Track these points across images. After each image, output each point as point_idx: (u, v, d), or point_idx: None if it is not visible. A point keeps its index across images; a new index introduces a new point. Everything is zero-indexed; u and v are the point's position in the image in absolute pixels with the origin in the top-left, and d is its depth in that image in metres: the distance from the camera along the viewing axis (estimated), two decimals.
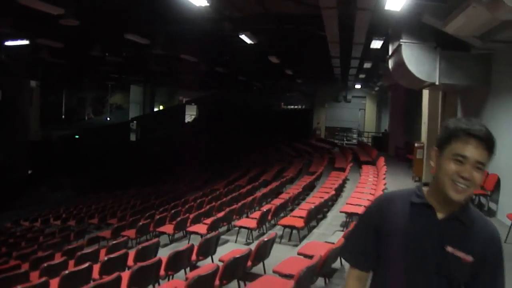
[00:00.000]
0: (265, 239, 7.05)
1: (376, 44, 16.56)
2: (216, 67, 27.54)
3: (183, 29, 16.50)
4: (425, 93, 17.26)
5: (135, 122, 41.22)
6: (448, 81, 12.01)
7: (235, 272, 6.33)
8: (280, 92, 42.96)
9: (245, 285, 6.50)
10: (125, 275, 6.22)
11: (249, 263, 6.67)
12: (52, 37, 16.42)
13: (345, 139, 37.02)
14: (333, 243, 7.16)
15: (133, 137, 40.78)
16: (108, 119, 42.41)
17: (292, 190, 14.92)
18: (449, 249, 2.08)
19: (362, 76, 29.06)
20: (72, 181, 30.02)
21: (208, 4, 11.69)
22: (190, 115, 45.79)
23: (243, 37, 16.63)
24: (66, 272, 6.67)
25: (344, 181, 15.80)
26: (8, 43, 16.72)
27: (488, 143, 2.07)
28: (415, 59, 11.91)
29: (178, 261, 7.17)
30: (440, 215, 2.14)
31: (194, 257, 7.68)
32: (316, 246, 7.24)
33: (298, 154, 29.47)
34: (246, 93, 41.32)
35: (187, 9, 14.09)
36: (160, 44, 18.60)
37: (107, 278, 5.99)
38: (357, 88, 36.64)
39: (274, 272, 6.21)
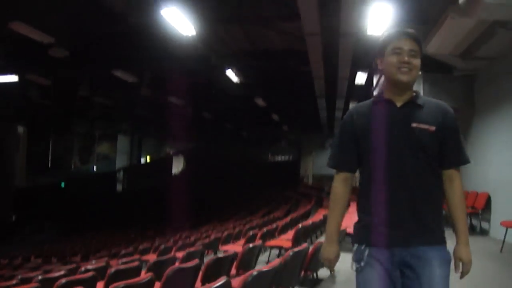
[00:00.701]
0: (250, 246, 6.97)
1: (361, 77, 16.83)
2: (203, 112, 27.73)
3: (171, 67, 16.72)
4: None
5: (121, 172, 41.09)
6: None
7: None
8: (267, 143, 43.13)
9: None
10: None
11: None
12: (41, 72, 16.53)
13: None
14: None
15: (119, 187, 40.58)
16: (95, 168, 42.24)
17: (280, 222, 14.81)
18: (414, 124, 2.54)
19: None
20: (57, 226, 29.71)
21: (195, 33, 11.88)
22: (177, 166, 45.77)
23: (229, 73, 16.87)
24: None
25: None
26: None
27: (415, 36, 2.60)
28: None
29: None
30: (398, 104, 2.62)
31: None
32: None
33: (286, 199, 29.41)
34: (233, 144, 41.44)
35: (175, 45, 14.41)
36: (147, 84, 18.82)
37: None
38: None
39: None
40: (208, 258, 10.71)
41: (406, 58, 2.54)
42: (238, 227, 14.16)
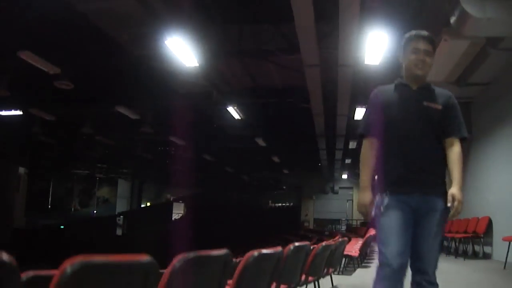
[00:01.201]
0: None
1: (360, 113, 17.06)
2: (204, 154, 27.84)
3: (172, 103, 16.89)
4: None
5: (121, 216, 40.93)
6: None
7: None
8: (269, 188, 43.13)
9: None
10: None
11: None
12: (45, 106, 16.69)
13: (334, 229, 36.98)
14: None
15: (119, 232, 40.33)
16: (95, 212, 42.06)
17: None
18: (425, 103, 3.38)
19: (348, 161, 29.51)
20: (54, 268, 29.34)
21: (197, 65, 12.12)
22: (177, 213, 45.64)
23: (230, 109, 17.08)
24: None
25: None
26: (1, 112, 17.00)
27: (429, 38, 3.45)
28: None
29: None
30: (414, 87, 3.48)
31: None
32: None
33: (285, 243, 29.26)
34: (234, 189, 41.43)
35: (177, 78, 14.66)
36: (149, 121, 18.99)
37: None
38: (344, 179, 37.10)
39: None
40: None
41: (421, 57, 3.37)
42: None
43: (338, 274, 9.75)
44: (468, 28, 7.67)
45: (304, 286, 7.87)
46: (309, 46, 10.85)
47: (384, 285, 3.16)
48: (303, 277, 6.10)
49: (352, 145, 23.61)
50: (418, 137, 3.33)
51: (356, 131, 3.69)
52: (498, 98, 10.55)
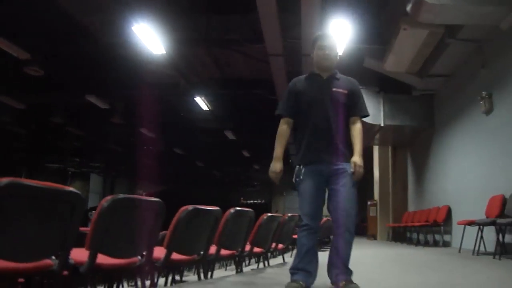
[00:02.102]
0: None
1: None
2: (174, 148, 27.85)
3: (141, 92, 16.88)
4: (376, 153, 17.95)
5: (93, 212, 40.57)
6: (393, 123, 12.60)
7: None
8: (240, 184, 43.22)
9: None
10: None
11: None
12: (15, 94, 16.49)
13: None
14: None
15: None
16: None
17: None
18: (334, 89, 3.97)
19: None
20: None
21: (164, 52, 12.23)
22: None
23: (198, 100, 17.16)
24: None
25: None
26: None
27: (331, 35, 4.11)
28: None
29: None
30: (324, 77, 4.07)
31: None
32: None
33: None
34: (205, 185, 41.42)
35: (145, 66, 14.73)
36: (119, 111, 18.97)
37: None
38: None
39: None
40: None
41: (327, 52, 3.98)
42: None
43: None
44: (423, 15, 7.87)
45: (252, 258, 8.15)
46: (273, 36, 11.04)
47: (303, 236, 3.87)
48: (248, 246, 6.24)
49: None
50: (328, 117, 3.91)
51: (275, 112, 4.24)
52: (458, 91, 10.74)
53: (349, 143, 3.98)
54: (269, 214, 6.49)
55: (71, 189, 2.77)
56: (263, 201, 44.22)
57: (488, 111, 9.00)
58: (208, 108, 18.09)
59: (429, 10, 7.63)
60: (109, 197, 3.18)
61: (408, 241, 14.16)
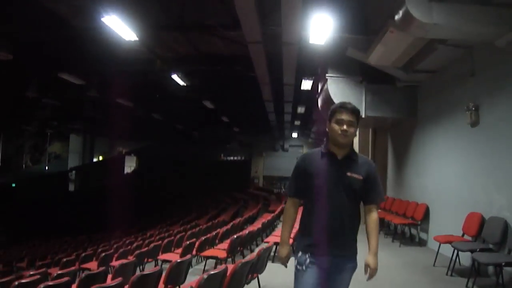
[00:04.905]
0: (178, 261, 6.87)
1: (306, 84, 16.85)
2: (153, 114, 27.41)
3: (117, 70, 16.46)
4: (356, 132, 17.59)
5: (74, 172, 40.24)
6: (374, 114, 12.18)
7: None
8: (219, 143, 42.92)
9: None
10: None
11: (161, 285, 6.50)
12: None
13: (283, 188, 37.25)
14: None
15: (71, 187, 39.79)
16: (47, 168, 41.09)
17: (223, 229, 14.70)
18: (349, 173, 3.66)
19: (297, 122, 29.56)
20: (6, 229, 28.71)
21: (137, 39, 11.65)
22: (129, 166, 45.31)
23: (175, 77, 16.67)
24: None
25: (275, 220, 15.82)
26: None
27: (353, 110, 3.70)
28: (341, 93, 12.03)
29: None
30: (339, 157, 3.72)
31: None
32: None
33: (234, 202, 29.45)
34: (185, 143, 41.10)
35: (118, 49, 14.17)
36: (95, 86, 18.54)
37: None
38: (294, 137, 37.31)
39: None
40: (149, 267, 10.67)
41: (345, 127, 3.62)
42: (180, 234, 14.00)
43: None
44: (413, 30, 7.34)
45: None
46: (250, 23, 10.44)
47: None
48: None
49: (301, 110, 23.58)
50: (339, 204, 3.64)
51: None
52: (443, 87, 10.35)
53: (356, 234, 3.77)
54: (242, 262, 6.02)
55: None
56: (243, 157, 44.05)
57: (474, 124, 8.60)
58: (185, 83, 17.57)
59: (420, 26, 7.07)
60: None
61: (386, 228, 13.94)
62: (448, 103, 10.14)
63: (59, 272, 8.58)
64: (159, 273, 6.34)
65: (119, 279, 5.76)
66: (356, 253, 3.75)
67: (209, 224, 16.85)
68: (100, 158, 45.19)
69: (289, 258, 3.96)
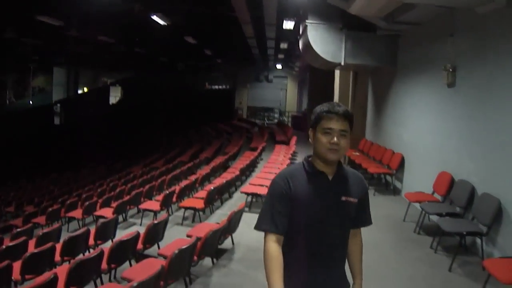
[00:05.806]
0: (155, 222, 7.04)
1: (288, 25, 16.65)
2: (135, 48, 27.15)
3: (96, 10, 16.14)
4: (337, 73, 17.55)
5: (59, 105, 39.91)
6: (354, 62, 12.16)
7: (123, 254, 6.32)
8: (204, 72, 42.57)
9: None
10: (18, 262, 6.12)
11: (140, 245, 6.66)
12: None
13: (266, 119, 37.41)
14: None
15: (57, 121, 39.56)
16: (31, 102, 40.55)
17: (204, 171, 14.87)
18: (343, 198, 2.81)
19: (281, 56, 29.37)
20: None
21: None
22: (114, 96, 45.06)
23: (155, 18, 16.42)
24: None
25: (256, 161, 15.98)
26: None
27: (346, 116, 2.74)
28: (320, 40, 11.96)
29: (74, 246, 7.08)
30: (330, 177, 2.82)
31: (91, 241, 7.58)
32: (205, 228, 7.11)
33: (218, 135, 29.58)
34: (170, 73, 40.74)
35: None
36: (74, 26, 18.27)
37: None
38: (279, 69, 37.21)
39: (159, 254, 6.33)
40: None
41: (335, 140, 2.70)
42: (161, 178, 14.19)
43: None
44: None
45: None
46: None
47: None
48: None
49: (283, 46, 23.40)
50: (332, 240, 2.84)
51: (256, 224, 2.84)
52: (423, 41, 10.26)
53: (344, 262, 3.01)
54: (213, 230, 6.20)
55: None
56: (227, 86, 43.86)
57: (451, 85, 8.61)
58: (166, 23, 17.32)
59: None
60: None
61: (361, 172, 14.13)
62: (427, 58, 10.08)
63: (45, 231, 8.73)
64: (136, 237, 6.51)
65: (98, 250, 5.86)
66: (343, 276, 3.00)
67: (190, 164, 17.01)
68: (85, 89, 44.75)
69: None
